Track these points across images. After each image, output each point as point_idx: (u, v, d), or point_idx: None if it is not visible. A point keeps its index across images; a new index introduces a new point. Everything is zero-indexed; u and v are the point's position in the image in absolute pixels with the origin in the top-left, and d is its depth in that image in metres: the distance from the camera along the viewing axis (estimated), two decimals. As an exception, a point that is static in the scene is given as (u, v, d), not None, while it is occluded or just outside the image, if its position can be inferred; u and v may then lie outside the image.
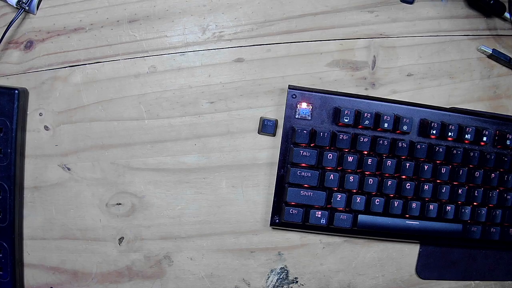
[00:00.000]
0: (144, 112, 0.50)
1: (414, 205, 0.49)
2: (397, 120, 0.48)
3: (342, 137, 0.47)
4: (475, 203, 0.50)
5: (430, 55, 0.52)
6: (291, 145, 0.48)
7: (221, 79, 0.50)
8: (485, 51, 0.52)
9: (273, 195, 0.49)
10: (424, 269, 0.53)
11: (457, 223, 0.50)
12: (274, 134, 0.50)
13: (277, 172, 0.49)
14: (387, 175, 0.48)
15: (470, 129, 0.49)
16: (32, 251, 0.51)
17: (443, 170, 0.48)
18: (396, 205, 0.48)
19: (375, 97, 0.50)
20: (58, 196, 0.50)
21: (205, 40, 0.50)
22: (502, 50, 0.53)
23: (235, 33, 0.50)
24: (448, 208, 0.49)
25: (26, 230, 0.51)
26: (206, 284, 0.52)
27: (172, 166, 0.51)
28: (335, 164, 0.48)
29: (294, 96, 0.48)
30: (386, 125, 0.48)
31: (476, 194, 0.49)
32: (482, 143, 0.49)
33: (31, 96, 0.50)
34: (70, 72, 0.50)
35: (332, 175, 0.48)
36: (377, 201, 0.48)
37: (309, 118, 0.49)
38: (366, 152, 0.48)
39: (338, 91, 0.51)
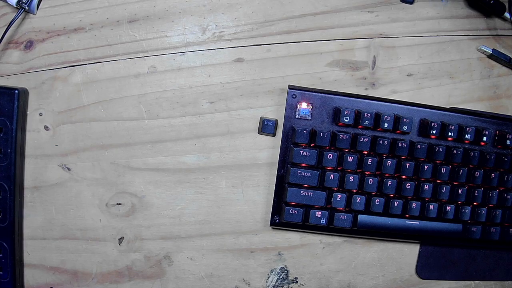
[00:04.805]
0: (144, 112, 0.50)
1: (414, 205, 0.49)
2: (397, 120, 0.48)
3: (342, 137, 0.47)
4: (475, 203, 0.50)
5: (430, 55, 0.52)
6: (291, 145, 0.48)
7: (221, 79, 0.50)
8: (485, 51, 0.52)
9: (273, 195, 0.49)
10: (424, 269, 0.53)
11: (457, 223, 0.50)
12: (274, 134, 0.50)
13: (277, 172, 0.49)
14: (387, 175, 0.48)
15: (470, 129, 0.49)
16: (32, 251, 0.51)
17: (443, 170, 0.48)
18: (396, 205, 0.48)
19: (375, 97, 0.50)
20: (58, 196, 0.50)
21: (205, 40, 0.50)
22: (502, 50, 0.53)
23: (235, 33, 0.50)
24: (448, 208, 0.49)
25: (26, 230, 0.51)
26: (206, 284, 0.52)
27: (172, 166, 0.51)
28: (335, 164, 0.48)
29: (294, 96, 0.48)
30: (386, 125, 0.48)
31: (476, 194, 0.49)
32: (482, 143, 0.49)
33: (31, 96, 0.50)
34: (70, 72, 0.50)
35: (332, 175, 0.48)
36: (377, 201, 0.48)
37: (309, 118, 0.49)
38: (366, 152, 0.48)
39: (338, 91, 0.51)
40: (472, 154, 0.49)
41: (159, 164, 0.51)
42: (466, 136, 0.49)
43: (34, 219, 0.51)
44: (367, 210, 0.49)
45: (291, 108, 0.48)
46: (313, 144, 0.48)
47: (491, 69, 0.53)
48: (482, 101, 0.53)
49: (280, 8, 0.50)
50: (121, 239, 0.51)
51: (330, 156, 0.47)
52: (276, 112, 0.51)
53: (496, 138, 0.50)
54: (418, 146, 0.48)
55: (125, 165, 0.50)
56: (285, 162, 0.49)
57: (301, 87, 0.49)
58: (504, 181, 0.50)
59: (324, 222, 0.48)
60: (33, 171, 0.50)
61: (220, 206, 0.51)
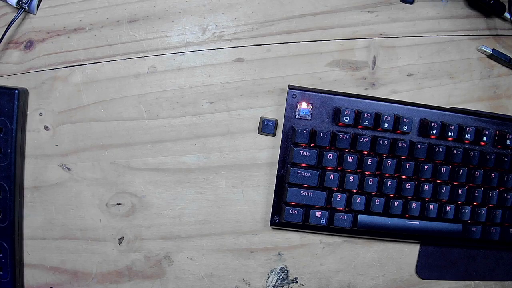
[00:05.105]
0: (144, 112, 0.50)
1: (414, 205, 0.49)
2: (397, 120, 0.48)
3: (342, 137, 0.47)
4: (475, 203, 0.50)
5: (430, 55, 0.52)
6: (291, 145, 0.48)
7: (221, 79, 0.50)
8: (485, 51, 0.52)
9: (273, 195, 0.49)
10: (424, 269, 0.53)
11: (457, 223, 0.50)
12: (274, 134, 0.50)
13: (277, 172, 0.49)
14: (387, 175, 0.48)
15: (470, 129, 0.49)
16: (32, 251, 0.51)
17: (443, 170, 0.48)
18: (396, 205, 0.48)
19: (375, 97, 0.50)
20: (58, 196, 0.50)
21: (205, 40, 0.50)
22: (502, 50, 0.53)
23: (235, 33, 0.50)
24: (448, 208, 0.49)
25: (26, 230, 0.51)
26: (206, 284, 0.52)
27: (172, 166, 0.51)
28: (335, 164, 0.48)
29: (294, 96, 0.48)
30: (386, 125, 0.48)
31: (476, 194, 0.49)
32: (482, 143, 0.49)
33: (31, 96, 0.50)
34: (70, 72, 0.50)
35: (332, 175, 0.48)
36: (377, 201, 0.48)
37: (309, 118, 0.49)
38: (366, 152, 0.48)
39: (338, 91, 0.51)
40: (472, 154, 0.49)
41: (159, 164, 0.51)
42: (466, 136, 0.49)
43: (34, 219, 0.51)
44: (367, 210, 0.49)
45: (291, 108, 0.48)
46: (313, 144, 0.48)
47: (491, 69, 0.53)
48: (482, 101, 0.53)
49: (280, 8, 0.50)
50: (121, 239, 0.51)
51: (330, 156, 0.47)
52: (276, 112, 0.51)
53: (496, 138, 0.50)
54: (418, 146, 0.48)
55: (125, 165, 0.50)
56: (285, 162, 0.49)
57: (301, 87, 0.49)
58: (504, 181, 0.50)
59: (324, 222, 0.48)
60: (33, 171, 0.50)
61: (220, 206, 0.51)
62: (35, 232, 0.51)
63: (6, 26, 0.47)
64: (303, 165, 0.48)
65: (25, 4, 0.47)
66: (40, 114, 0.50)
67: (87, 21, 0.50)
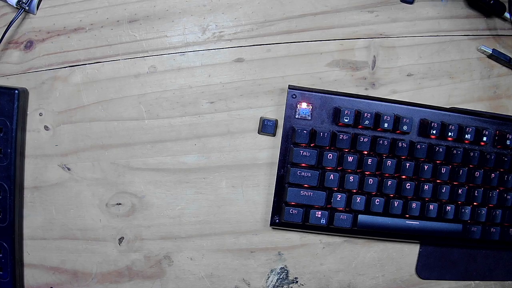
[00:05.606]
0: (144, 112, 0.50)
1: (414, 205, 0.49)
2: (397, 120, 0.48)
3: (342, 137, 0.47)
4: (475, 203, 0.50)
5: (430, 55, 0.52)
6: (291, 145, 0.48)
7: (221, 79, 0.50)
8: (485, 51, 0.52)
9: (273, 195, 0.49)
10: (424, 269, 0.53)
11: (457, 223, 0.50)
12: (274, 134, 0.50)
13: (277, 172, 0.49)
14: (387, 175, 0.48)
15: (470, 129, 0.49)
16: (32, 251, 0.51)
17: (443, 170, 0.48)
18: (396, 205, 0.48)
19: (375, 97, 0.50)
20: (58, 196, 0.50)
21: (205, 40, 0.50)
22: (502, 50, 0.53)
23: (235, 33, 0.50)
24: (448, 208, 0.49)
25: (26, 230, 0.51)
26: (206, 284, 0.52)
27: (172, 166, 0.51)
28: (335, 164, 0.48)
29: (294, 96, 0.48)
30: (386, 125, 0.48)
31: (476, 194, 0.49)
32: (482, 143, 0.49)
33: (31, 96, 0.50)
34: (70, 72, 0.50)
35: (332, 175, 0.48)
36: (377, 201, 0.48)
37: (309, 118, 0.49)
38: (366, 152, 0.48)
39: (338, 91, 0.51)
40: (472, 154, 0.49)
41: (159, 164, 0.51)
42: (466, 136, 0.49)
43: (34, 219, 0.51)
44: (367, 210, 0.49)
45: (291, 108, 0.48)
46: (313, 144, 0.48)
47: (491, 69, 0.53)
48: (482, 101, 0.53)
49: (280, 8, 0.50)
50: (121, 239, 0.51)
51: (330, 156, 0.47)
52: (276, 112, 0.51)
53: (496, 138, 0.50)
54: (418, 146, 0.48)
55: (125, 165, 0.50)
56: (285, 162, 0.49)
57: (301, 87, 0.49)
58: (504, 181, 0.50)
59: (324, 222, 0.48)
60: (33, 171, 0.50)
61: (220, 206, 0.51)
62: (35, 232, 0.51)
63: (6, 26, 0.47)
64: (303, 165, 0.48)
65: (25, 4, 0.47)
66: (40, 114, 0.50)
67: (87, 21, 0.50)
